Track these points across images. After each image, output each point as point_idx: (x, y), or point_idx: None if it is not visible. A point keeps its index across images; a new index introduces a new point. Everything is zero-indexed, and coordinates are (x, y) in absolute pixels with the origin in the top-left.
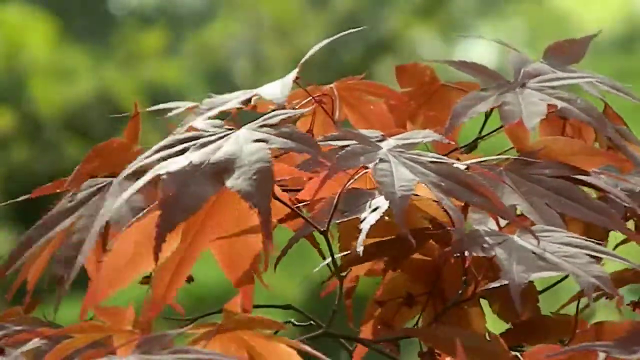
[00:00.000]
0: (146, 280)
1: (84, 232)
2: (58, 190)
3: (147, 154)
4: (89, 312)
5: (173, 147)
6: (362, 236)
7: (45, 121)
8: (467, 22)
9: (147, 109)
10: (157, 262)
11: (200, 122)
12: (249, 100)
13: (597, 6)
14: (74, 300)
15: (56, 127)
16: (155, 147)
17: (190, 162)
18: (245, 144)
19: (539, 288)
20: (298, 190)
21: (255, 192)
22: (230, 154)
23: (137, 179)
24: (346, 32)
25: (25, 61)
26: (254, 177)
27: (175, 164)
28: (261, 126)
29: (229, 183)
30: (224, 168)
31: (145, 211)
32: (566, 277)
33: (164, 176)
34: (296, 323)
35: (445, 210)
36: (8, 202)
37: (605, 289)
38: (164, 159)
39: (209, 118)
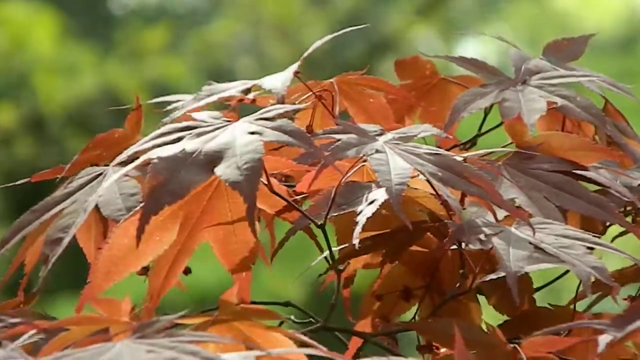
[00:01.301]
0: (143, 270)
1: (74, 215)
2: (57, 176)
3: (143, 140)
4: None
5: (169, 135)
6: (358, 228)
7: (48, 117)
8: (468, 22)
9: (149, 102)
10: (138, 245)
11: (199, 113)
12: (249, 89)
13: (597, 7)
14: (74, 299)
15: (59, 124)
16: (152, 135)
17: (183, 149)
18: (239, 136)
19: (538, 283)
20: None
21: (243, 181)
22: (224, 145)
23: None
24: (348, 29)
25: (29, 57)
26: (244, 167)
27: (168, 151)
28: (258, 119)
29: (218, 171)
30: (216, 158)
31: (142, 204)
32: (566, 272)
33: (155, 160)
34: (296, 320)
35: (443, 202)
36: (7, 184)
37: (602, 279)
38: (159, 146)
39: (208, 105)
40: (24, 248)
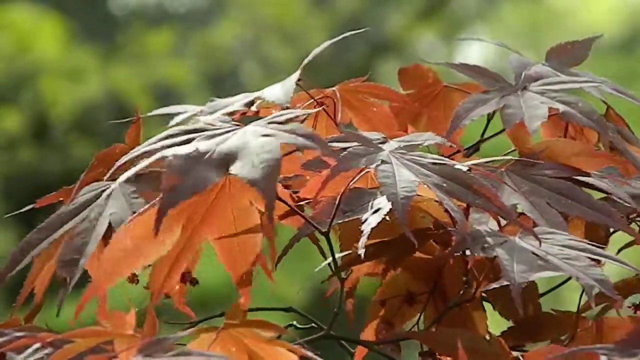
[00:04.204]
0: (133, 277)
1: (87, 234)
2: (61, 199)
3: (151, 140)
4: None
5: (178, 136)
6: (363, 238)
7: (53, 121)
8: (468, 23)
9: (150, 114)
10: (156, 235)
11: (207, 117)
12: (252, 102)
13: (596, 7)
14: (73, 301)
15: (64, 127)
16: (160, 136)
17: (197, 149)
18: (253, 139)
19: (543, 289)
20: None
21: (261, 179)
22: (237, 146)
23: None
24: (349, 34)
25: (34, 61)
26: (261, 165)
27: (181, 149)
28: (270, 123)
29: (233, 169)
30: (231, 158)
31: (144, 208)
32: (569, 278)
33: (170, 157)
34: (298, 326)
35: (447, 211)
36: (11, 214)
37: (606, 292)
38: (168, 147)
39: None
40: (36, 271)
